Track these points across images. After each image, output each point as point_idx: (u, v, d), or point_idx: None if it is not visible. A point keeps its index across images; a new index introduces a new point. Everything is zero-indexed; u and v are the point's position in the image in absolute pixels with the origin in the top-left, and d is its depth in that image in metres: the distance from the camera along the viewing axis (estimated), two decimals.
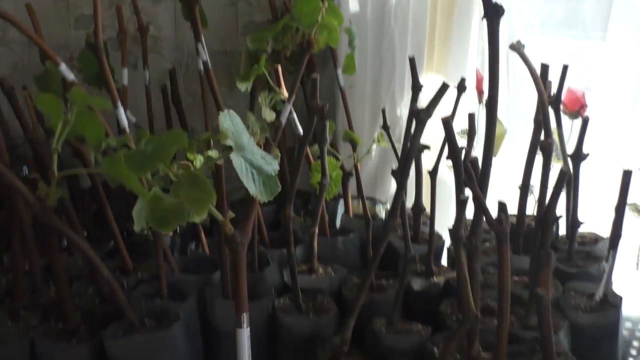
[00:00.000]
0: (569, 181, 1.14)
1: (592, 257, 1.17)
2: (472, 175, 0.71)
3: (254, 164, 0.62)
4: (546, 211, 0.89)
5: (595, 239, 1.25)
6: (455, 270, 1.01)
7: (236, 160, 0.60)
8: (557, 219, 0.89)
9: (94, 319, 0.95)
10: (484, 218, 0.71)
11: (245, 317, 0.49)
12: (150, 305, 0.94)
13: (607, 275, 0.98)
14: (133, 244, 1.16)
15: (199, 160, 1.12)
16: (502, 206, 0.70)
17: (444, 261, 1.21)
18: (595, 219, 1.23)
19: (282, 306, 0.99)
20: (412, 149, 0.83)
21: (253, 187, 0.60)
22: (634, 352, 1.30)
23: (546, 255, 0.82)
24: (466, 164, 0.75)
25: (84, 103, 0.68)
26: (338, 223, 1.30)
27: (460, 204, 0.77)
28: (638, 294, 1.27)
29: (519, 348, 0.91)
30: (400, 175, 0.84)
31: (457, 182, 0.78)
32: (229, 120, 0.62)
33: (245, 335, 0.49)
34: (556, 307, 1.00)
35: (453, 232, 0.80)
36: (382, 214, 1.36)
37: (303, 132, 1.03)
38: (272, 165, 0.63)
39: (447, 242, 1.23)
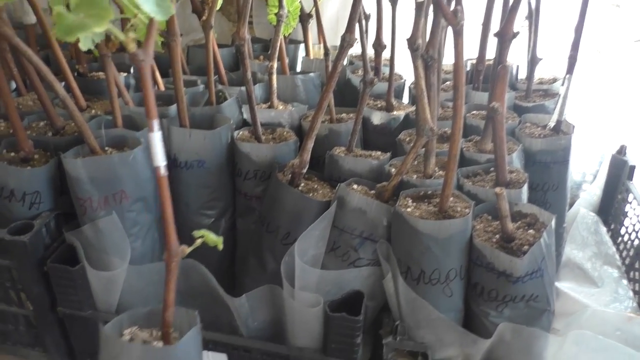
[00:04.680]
0: (531, 16, 1.13)
1: (549, 94, 1.19)
2: None
3: None
4: (504, 26, 0.87)
5: (554, 79, 1.26)
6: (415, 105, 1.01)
7: None
8: (515, 34, 0.88)
9: (48, 150, 0.93)
10: (441, 10, 0.68)
11: (155, 123, 0.49)
12: (108, 134, 0.92)
13: (562, 100, 1.00)
14: (86, 86, 1.12)
15: None
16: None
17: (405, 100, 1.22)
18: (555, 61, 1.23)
19: (241, 136, 0.98)
20: None
21: (147, 6, 0.58)
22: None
23: (503, 70, 0.82)
24: None
25: None
26: (299, 67, 1.28)
27: (418, 6, 0.74)
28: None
29: (474, 168, 0.94)
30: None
31: None
32: None
33: (157, 137, 0.49)
34: (512, 135, 1.03)
35: (410, 40, 0.78)
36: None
37: None
38: None
39: (409, 81, 1.23)
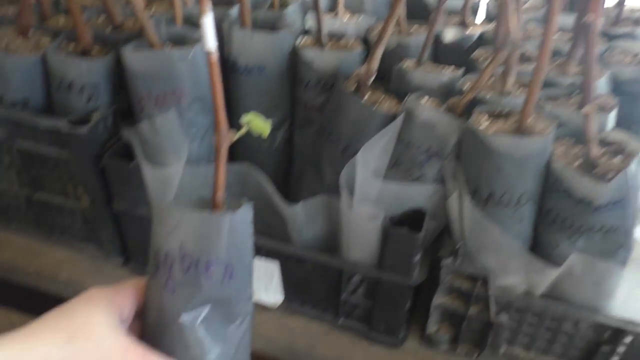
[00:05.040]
0: None
1: None
2: None
3: None
4: None
5: None
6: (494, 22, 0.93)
7: None
8: None
9: (107, 43, 0.91)
10: None
11: (207, 4, 0.42)
12: (167, 32, 0.89)
13: None
14: None
15: None
16: None
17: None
18: None
19: (304, 43, 0.93)
20: None
21: None
22: None
23: None
24: None
25: None
26: None
27: None
28: None
29: (555, 91, 0.86)
30: None
31: None
32: None
33: (209, 20, 0.42)
34: (599, 61, 0.94)
35: None
36: None
37: None
38: None
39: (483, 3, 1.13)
